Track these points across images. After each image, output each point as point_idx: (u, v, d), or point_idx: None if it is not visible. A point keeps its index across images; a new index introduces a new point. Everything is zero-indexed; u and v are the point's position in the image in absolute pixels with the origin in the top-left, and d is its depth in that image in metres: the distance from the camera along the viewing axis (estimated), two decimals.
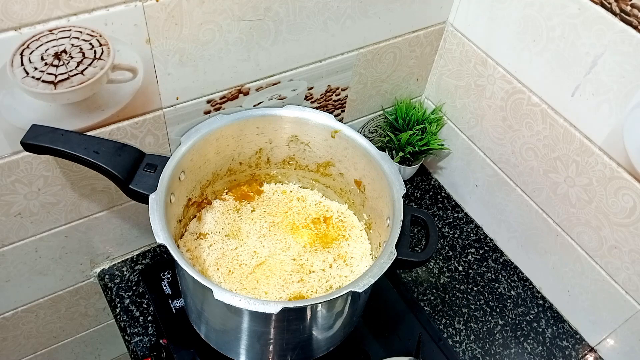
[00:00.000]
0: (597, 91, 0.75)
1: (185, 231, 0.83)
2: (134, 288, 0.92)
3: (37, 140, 0.65)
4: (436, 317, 0.94)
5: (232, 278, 0.78)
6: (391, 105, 1.04)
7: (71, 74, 0.64)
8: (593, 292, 0.88)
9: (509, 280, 1.00)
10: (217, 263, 0.80)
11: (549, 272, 0.96)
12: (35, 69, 0.62)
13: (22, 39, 0.59)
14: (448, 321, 0.94)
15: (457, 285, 0.98)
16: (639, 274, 0.80)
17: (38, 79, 0.63)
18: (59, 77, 0.64)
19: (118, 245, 0.92)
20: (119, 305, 0.90)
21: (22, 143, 0.65)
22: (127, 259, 0.95)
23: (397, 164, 1.03)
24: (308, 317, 0.70)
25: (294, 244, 0.83)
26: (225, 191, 0.88)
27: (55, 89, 0.64)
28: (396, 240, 0.68)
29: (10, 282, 0.85)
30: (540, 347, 0.92)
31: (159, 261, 0.95)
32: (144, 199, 0.67)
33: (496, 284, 0.99)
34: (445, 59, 0.98)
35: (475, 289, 0.98)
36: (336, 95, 0.93)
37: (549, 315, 0.96)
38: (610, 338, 0.89)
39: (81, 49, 0.63)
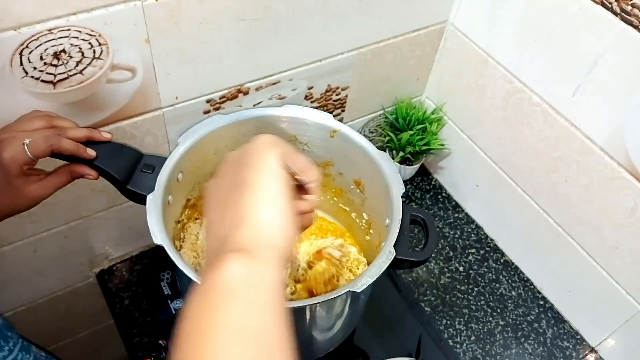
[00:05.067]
0: (598, 91, 0.74)
1: (185, 233, 0.82)
2: (133, 288, 0.92)
3: None
4: (437, 317, 0.94)
5: None
6: (391, 105, 1.04)
7: (70, 73, 0.64)
8: (594, 293, 0.88)
9: (509, 281, 1.00)
10: None
11: (549, 273, 0.96)
12: (35, 68, 0.62)
13: (21, 39, 0.59)
14: (449, 322, 0.94)
15: (457, 286, 0.98)
16: (639, 274, 0.79)
17: (37, 78, 0.63)
18: (58, 77, 0.64)
19: (117, 246, 0.92)
20: (118, 305, 0.90)
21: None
22: (127, 259, 0.95)
23: (397, 163, 1.03)
24: (307, 317, 0.70)
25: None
26: None
27: (54, 88, 0.64)
28: (395, 239, 0.68)
29: (10, 282, 0.85)
30: (541, 348, 0.92)
31: (158, 261, 0.95)
32: (142, 200, 0.66)
33: (497, 285, 0.99)
34: (446, 58, 0.98)
35: (475, 289, 0.98)
36: (336, 95, 0.93)
37: (550, 315, 0.96)
38: (611, 338, 0.89)
39: (80, 48, 0.63)
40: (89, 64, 0.65)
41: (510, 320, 0.95)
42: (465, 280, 0.99)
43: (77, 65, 0.64)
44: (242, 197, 0.36)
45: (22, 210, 0.59)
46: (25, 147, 0.55)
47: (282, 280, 0.34)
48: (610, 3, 0.69)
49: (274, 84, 0.83)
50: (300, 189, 0.43)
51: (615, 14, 0.68)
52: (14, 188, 0.56)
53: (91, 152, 0.62)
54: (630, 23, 0.67)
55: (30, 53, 0.60)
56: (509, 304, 0.97)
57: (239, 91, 0.80)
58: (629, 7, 0.67)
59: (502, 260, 1.03)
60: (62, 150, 0.58)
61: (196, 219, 0.84)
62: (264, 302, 0.33)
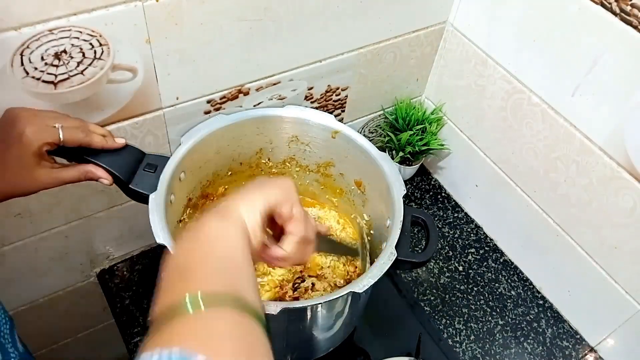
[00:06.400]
0: (597, 91, 0.75)
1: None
2: (134, 288, 0.92)
3: None
4: (436, 317, 0.94)
5: None
6: (391, 105, 1.04)
7: (71, 74, 0.64)
8: (593, 292, 0.88)
9: (509, 280, 1.00)
10: None
11: (549, 272, 0.96)
12: (35, 69, 0.62)
13: (22, 39, 0.59)
14: (448, 321, 0.94)
15: (457, 285, 0.98)
16: (639, 274, 0.80)
17: (38, 79, 0.63)
18: (59, 77, 0.64)
19: (118, 245, 0.92)
20: (119, 305, 0.90)
21: None
22: (127, 259, 0.95)
23: (397, 164, 1.03)
24: (308, 317, 0.70)
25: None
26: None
27: (55, 89, 0.64)
28: (396, 240, 0.68)
29: (10, 282, 0.85)
30: (541, 347, 0.92)
31: (159, 261, 0.94)
32: (144, 199, 0.67)
33: (496, 284, 0.99)
34: (446, 59, 0.98)
35: (475, 289, 0.98)
36: (336, 95, 0.93)
37: (549, 315, 0.96)
38: (611, 338, 0.89)
39: (81, 48, 0.63)
40: (89, 65, 0.65)
41: (509, 319, 0.95)
42: (465, 280, 0.99)
43: (78, 65, 0.64)
44: (240, 197, 0.50)
45: (22, 194, 0.58)
46: (59, 130, 0.56)
47: (244, 240, 0.46)
48: (609, 3, 0.69)
49: (274, 84, 0.83)
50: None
51: (615, 14, 0.69)
52: (24, 167, 0.56)
53: (120, 141, 0.64)
54: (629, 23, 0.68)
55: (31, 53, 0.60)
56: (509, 304, 0.97)
57: (240, 91, 0.80)
58: (629, 7, 0.67)
59: (501, 260, 1.03)
60: (92, 144, 0.60)
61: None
62: (234, 241, 0.45)
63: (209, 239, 0.45)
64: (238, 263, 0.44)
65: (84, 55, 0.63)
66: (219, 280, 0.41)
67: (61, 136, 0.56)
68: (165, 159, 0.71)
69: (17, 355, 0.61)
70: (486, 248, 1.05)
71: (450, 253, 1.03)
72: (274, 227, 0.56)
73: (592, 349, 0.93)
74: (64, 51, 0.62)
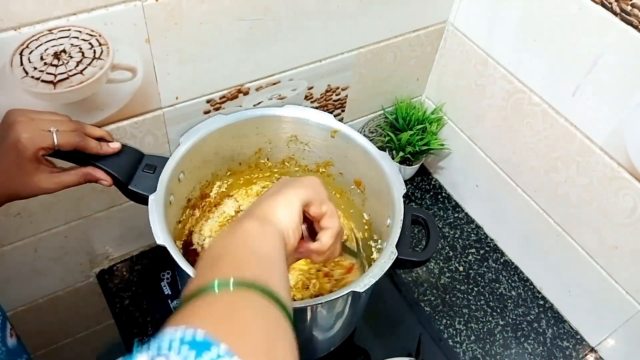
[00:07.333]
0: (597, 91, 0.75)
1: (189, 236, 0.82)
2: (133, 288, 0.92)
3: None
4: (436, 317, 0.94)
5: None
6: (391, 105, 1.04)
7: (70, 73, 0.64)
8: (593, 292, 0.88)
9: (509, 281, 1.00)
10: None
11: (549, 273, 0.96)
12: (35, 68, 0.62)
13: (21, 39, 0.59)
14: (448, 321, 0.94)
15: (457, 286, 0.98)
16: (639, 274, 0.80)
17: (37, 78, 0.63)
18: (59, 77, 0.64)
19: (118, 246, 0.92)
20: (118, 305, 0.90)
21: None
22: (127, 259, 0.95)
23: (397, 163, 1.03)
24: (308, 317, 0.70)
25: None
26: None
27: (54, 88, 0.64)
28: (397, 240, 0.68)
29: (10, 282, 0.85)
30: (541, 348, 0.92)
31: (158, 261, 0.95)
32: (144, 200, 0.67)
33: (497, 284, 0.99)
34: (446, 58, 0.98)
35: (475, 289, 0.98)
36: (336, 95, 0.93)
37: (550, 315, 0.96)
38: (611, 338, 0.89)
39: (80, 48, 0.63)
40: (89, 64, 0.65)
41: (510, 320, 0.95)
42: (465, 280, 0.99)
43: (77, 65, 0.64)
44: (276, 199, 0.51)
45: (22, 197, 0.58)
46: (54, 134, 0.56)
47: (281, 243, 0.48)
48: (610, 3, 0.69)
49: (274, 84, 0.83)
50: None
51: (615, 14, 0.69)
52: (23, 171, 0.56)
53: (115, 145, 0.64)
54: (630, 23, 0.68)
55: (30, 53, 0.60)
56: (509, 304, 0.97)
57: (239, 91, 0.80)
58: (629, 7, 0.67)
59: (501, 260, 1.03)
60: (87, 148, 0.60)
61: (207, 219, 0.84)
62: (271, 242, 0.47)
63: (247, 236, 0.46)
64: (272, 259, 0.45)
65: (83, 55, 0.63)
66: (251, 270, 0.41)
67: (56, 141, 0.56)
68: (164, 159, 0.70)
69: (5, 352, 0.61)
70: (486, 248, 1.04)
71: (451, 253, 1.03)
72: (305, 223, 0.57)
73: (592, 349, 0.93)
74: (64, 51, 0.62)
